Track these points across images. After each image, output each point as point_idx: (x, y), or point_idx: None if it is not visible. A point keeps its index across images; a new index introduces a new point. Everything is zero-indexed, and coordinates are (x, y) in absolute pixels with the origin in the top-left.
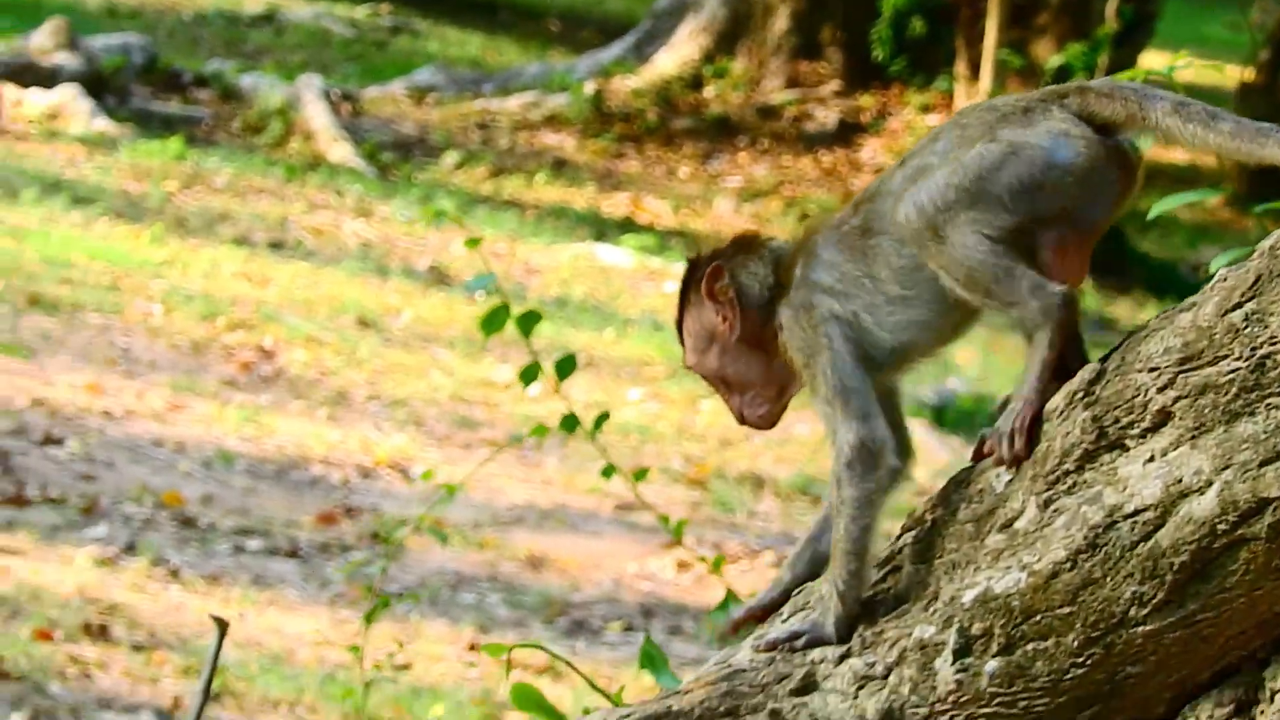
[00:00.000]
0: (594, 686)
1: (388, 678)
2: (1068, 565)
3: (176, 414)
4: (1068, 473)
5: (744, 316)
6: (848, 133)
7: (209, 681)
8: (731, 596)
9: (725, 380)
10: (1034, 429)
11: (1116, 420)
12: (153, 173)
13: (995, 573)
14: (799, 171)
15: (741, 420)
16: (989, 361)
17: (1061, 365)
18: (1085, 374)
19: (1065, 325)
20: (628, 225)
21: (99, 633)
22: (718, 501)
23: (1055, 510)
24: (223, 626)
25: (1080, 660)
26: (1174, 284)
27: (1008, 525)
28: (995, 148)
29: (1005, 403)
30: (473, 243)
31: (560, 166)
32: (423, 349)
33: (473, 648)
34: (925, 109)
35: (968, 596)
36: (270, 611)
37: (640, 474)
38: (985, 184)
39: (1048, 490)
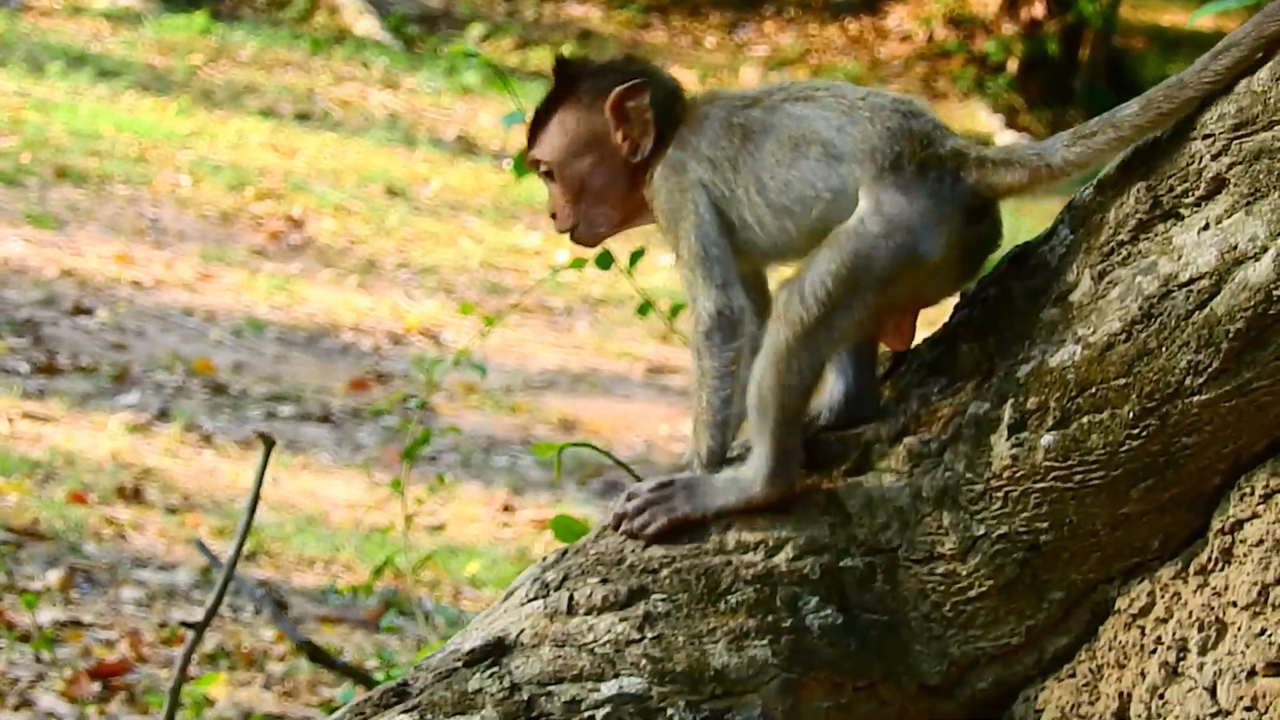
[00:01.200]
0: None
1: (425, 525)
2: (1123, 336)
3: (206, 283)
4: (1122, 243)
5: (650, 144)
6: (874, 0)
7: (255, 497)
8: None
9: (582, 190)
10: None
11: (1171, 189)
12: (178, 47)
13: (1050, 346)
14: (825, 40)
15: (569, 230)
16: (1017, 223)
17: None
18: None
19: (776, 497)
20: None
21: (133, 495)
22: None
23: (1110, 281)
24: (269, 443)
25: (1136, 432)
26: None
27: (1062, 298)
28: (873, 227)
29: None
30: (501, 83)
31: (586, 37)
32: (452, 217)
33: (506, 509)
34: None
35: (1022, 371)
36: (304, 475)
37: (677, 308)
38: (859, 275)
39: (1102, 262)
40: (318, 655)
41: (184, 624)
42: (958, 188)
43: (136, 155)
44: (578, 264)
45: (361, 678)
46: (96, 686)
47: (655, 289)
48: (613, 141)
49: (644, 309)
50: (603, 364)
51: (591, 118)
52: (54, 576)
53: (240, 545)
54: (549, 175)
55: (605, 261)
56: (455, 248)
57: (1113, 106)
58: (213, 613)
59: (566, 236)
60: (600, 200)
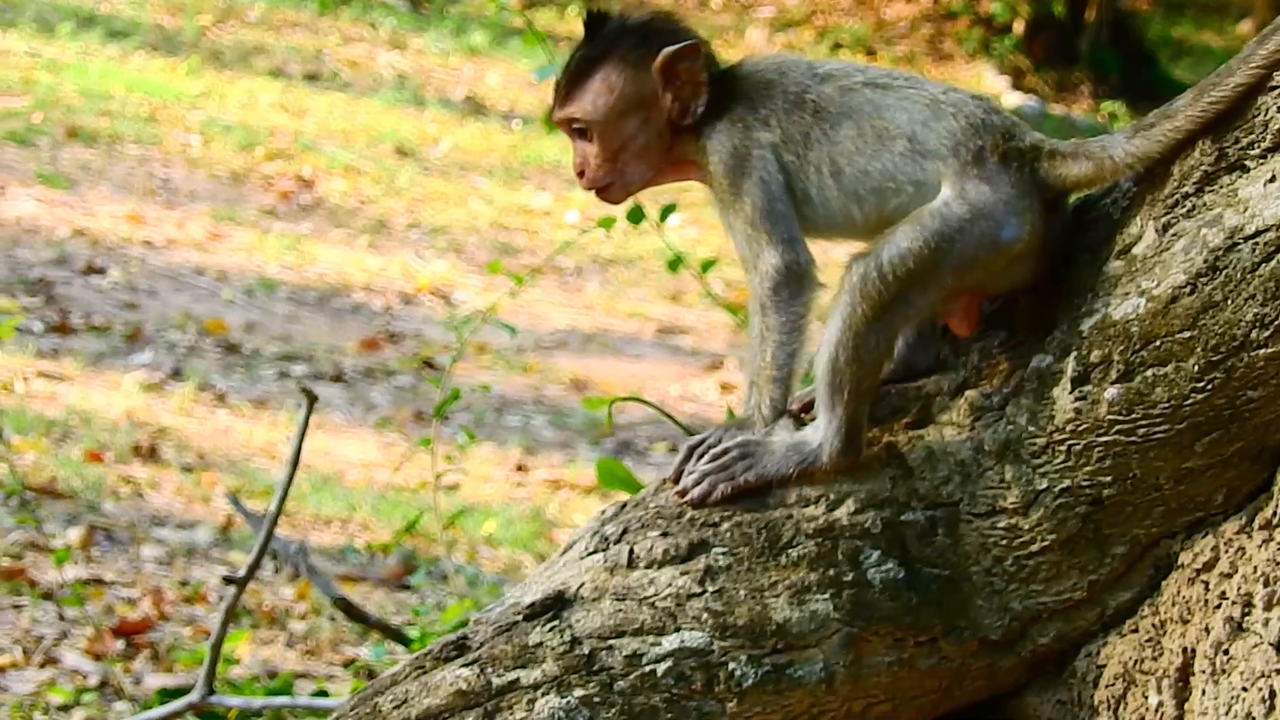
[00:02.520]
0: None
1: (440, 485)
2: (1187, 289)
3: (217, 243)
4: (1186, 195)
5: (700, 106)
6: None
7: (298, 451)
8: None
9: (621, 148)
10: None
11: (1236, 141)
12: (186, 7)
13: (1113, 299)
14: (831, 1)
15: (601, 188)
16: None
17: None
18: None
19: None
20: None
21: (149, 454)
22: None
23: (1174, 234)
24: (311, 398)
25: (1201, 385)
26: None
27: (1125, 251)
28: (958, 210)
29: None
30: (535, 38)
31: None
32: (461, 177)
33: (520, 468)
34: None
35: (1085, 324)
36: (317, 435)
37: (707, 265)
38: (940, 256)
39: (1166, 214)
40: (352, 612)
41: (226, 579)
42: (1036, 179)
43: (147, 115)
44: (606, 222)
45: (395, 635)
46: (120, 644)
47: (666, 247)
48: (660, 102)
49: (674, 264)
50: (613, 324)
51: (639, 77)
52: (74, 534)
53: (282, 500)
54: (581, 133)
55: (636, 217)
56: (465, 208)
57: (1118, 68)
58: (255, 568)
59: (592, 194)
60: (638, 160)
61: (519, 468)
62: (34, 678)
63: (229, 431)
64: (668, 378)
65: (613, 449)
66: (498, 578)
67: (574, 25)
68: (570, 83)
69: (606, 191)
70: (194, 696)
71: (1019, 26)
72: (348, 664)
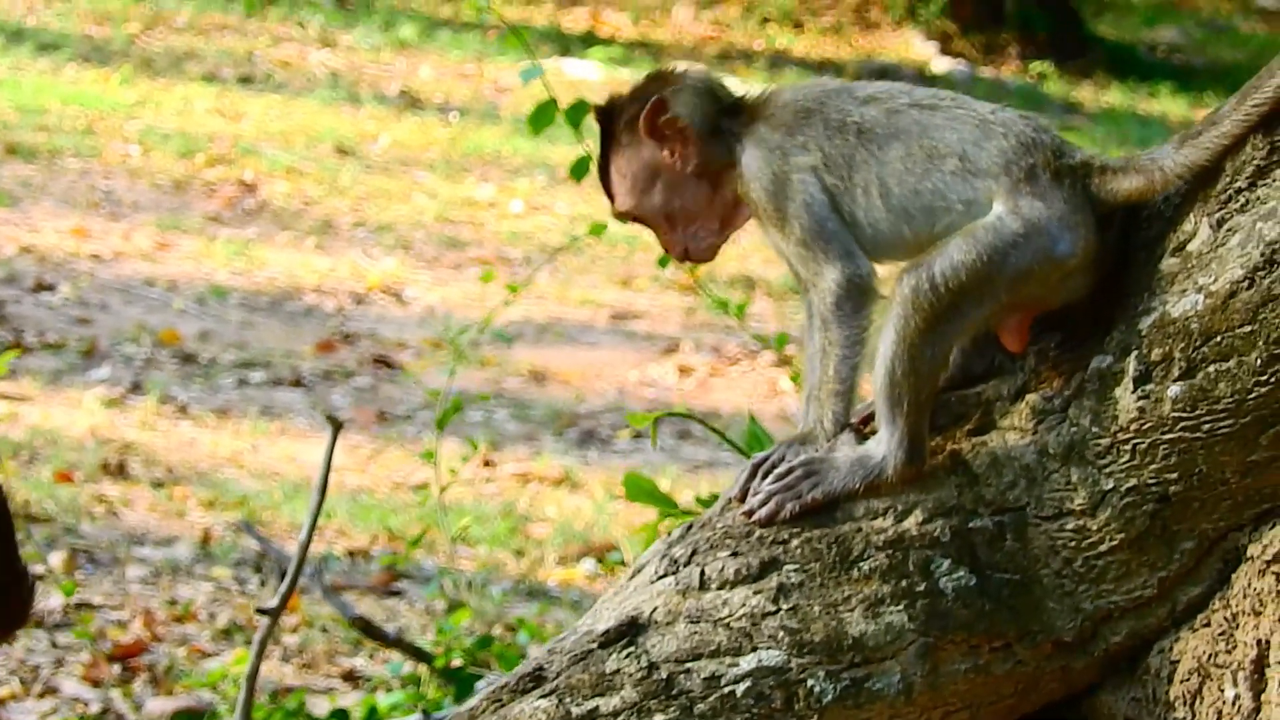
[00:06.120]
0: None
1: (410, 484)
2: (1246, 284)
3: (165, 253)
4: (1239, 190)
5: (699, 146)
6: None
7: (325, 479)
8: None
9: (669, 217)
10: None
11: None
12: (113, 16)
13: (1171, 297)
14: None
15: (684, 256)
16: None
17: None
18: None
19: (909, 479)
20: (590, 40)
21: (118, 471)
22: (710, 306)
23: (1229, 229)
24: (336, 425)
25: (1264, 379)
26: (1133, 65)
27: (1180, 248)
28: (1011, 225)
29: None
30: (515, 38)
31: None
32: (403, 173)
33: (487, 464)
34: None
35: (1144, 323)
36: (282, 441)
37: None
38: (993, 270)
39: (1220, 210)
40: (372, 631)
41: (259, 610)
42: (1089, 194)
43: (84, 128)
44: (597, 230)
45: (418, 653)
46: (116, 669)
47: (614, 234)
48: (668, 163)
49: (664, 260)
50: (566, 313)
51: (637, 151)
52: (56, 559)
53: (312, 528)
54: (638, 219)
55: (599, 231)
56: (409, 203)
57: (1045, 29)
58: (288, 597)
59: (688, 263)
60: (693, 219)
61: (486, 463)
62: (35, 709)
63: (194, 443)
64: (625, 364)
65: (576, 438)
66: (482, 577)
67: (500, 12)
68: (602, 182)
69: (692, 258)
70: None
71: None
72: (345, 676)
